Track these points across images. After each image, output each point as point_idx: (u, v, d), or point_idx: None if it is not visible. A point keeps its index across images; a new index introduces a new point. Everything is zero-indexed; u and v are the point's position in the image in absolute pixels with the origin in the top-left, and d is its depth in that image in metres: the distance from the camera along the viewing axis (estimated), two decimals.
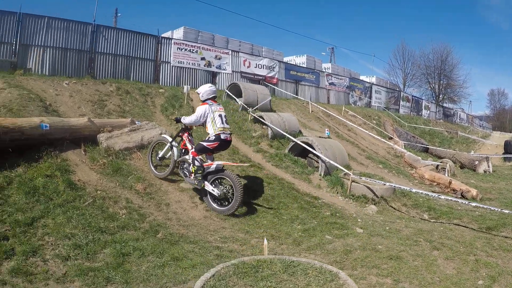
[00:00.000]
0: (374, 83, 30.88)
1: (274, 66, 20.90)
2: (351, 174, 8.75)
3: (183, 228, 5.97)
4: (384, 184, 8.58)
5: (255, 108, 13.06)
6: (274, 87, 20.17)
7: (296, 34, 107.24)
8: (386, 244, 5.52)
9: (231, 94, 14.19)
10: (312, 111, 18.30)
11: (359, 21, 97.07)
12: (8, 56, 12.72)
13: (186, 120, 6.90)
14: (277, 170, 9.46)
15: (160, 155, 7.48)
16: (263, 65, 20.36)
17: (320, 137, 11.87)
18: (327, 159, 9.31)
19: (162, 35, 17.81)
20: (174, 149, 7.19)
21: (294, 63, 24.48)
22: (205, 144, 6.64)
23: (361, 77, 31.06)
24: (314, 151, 9.61)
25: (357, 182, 8.66)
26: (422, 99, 37.33)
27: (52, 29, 13.42)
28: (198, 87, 7.35)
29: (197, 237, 5.60)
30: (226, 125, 6.78)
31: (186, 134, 7.07)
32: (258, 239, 5.65)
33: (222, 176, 6.59)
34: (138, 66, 15.36)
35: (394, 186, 8.57)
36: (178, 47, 16.44)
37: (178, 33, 19.08)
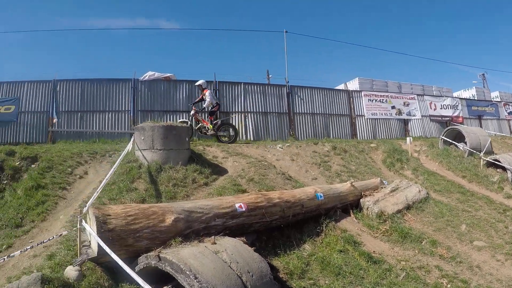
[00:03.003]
0: None
1: (457, 104, 19.34)
2: None
3: None
4: None
5: (483, 151, 11.99)
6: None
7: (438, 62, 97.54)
8: None
9: (451, 141, 13.20)
10: None
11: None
12: None
13: (206, 103, 11.39)
14: None
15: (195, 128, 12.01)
16: (447, 105, 19.04)
17: None
18: None
19: (336, 88, 17.70)
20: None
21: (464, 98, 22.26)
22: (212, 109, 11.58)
23: None
24: None
25: None
26: None
27: (250, 94, 13.96)
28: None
29: None
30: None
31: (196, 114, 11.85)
32: None
33: (227, 124, 11.59)
34: (336, 123, 15.43)
35: None
36: (368, 99, 16.22)
37: (354, 84, 18.81)
